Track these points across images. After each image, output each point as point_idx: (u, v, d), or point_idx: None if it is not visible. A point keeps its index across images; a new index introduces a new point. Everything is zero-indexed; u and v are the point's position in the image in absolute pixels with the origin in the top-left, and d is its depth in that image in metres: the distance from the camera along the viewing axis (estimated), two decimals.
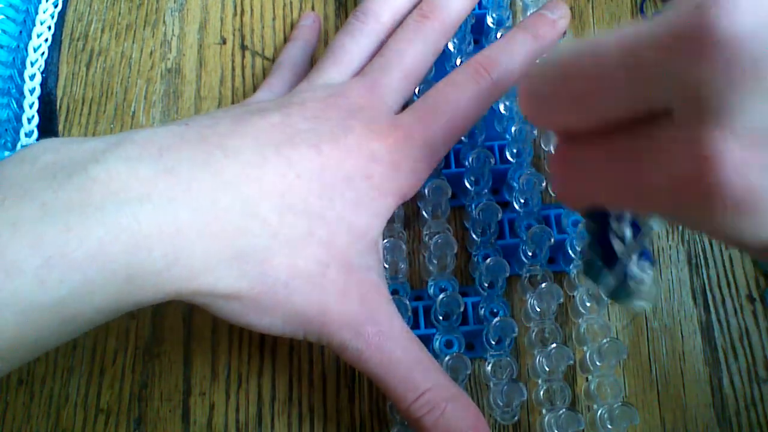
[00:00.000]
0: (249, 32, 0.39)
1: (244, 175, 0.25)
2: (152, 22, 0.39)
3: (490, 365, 0.29)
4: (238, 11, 0.39)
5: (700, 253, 0.34)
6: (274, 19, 0.39)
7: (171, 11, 0.39)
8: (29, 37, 0.38)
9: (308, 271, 0.26)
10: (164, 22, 0.39)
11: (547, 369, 0.29)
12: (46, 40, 0.39)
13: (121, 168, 0.23)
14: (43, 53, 0.38)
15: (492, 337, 0.29)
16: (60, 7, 0.39)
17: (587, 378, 0.30)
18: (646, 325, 0.33)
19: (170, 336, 0.33)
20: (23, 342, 0.21)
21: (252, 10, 0.39)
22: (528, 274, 0.31)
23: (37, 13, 0.39)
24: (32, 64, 0.38)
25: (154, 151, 0.24)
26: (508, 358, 0.29)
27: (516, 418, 0.30)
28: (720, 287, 0.33)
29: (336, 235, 0.26)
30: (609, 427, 0.28)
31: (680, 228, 0.34)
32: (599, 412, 0.28)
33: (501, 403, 0.29)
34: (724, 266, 0.33)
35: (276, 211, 0.25)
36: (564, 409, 0.28)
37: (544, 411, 0.29)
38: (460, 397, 0.26)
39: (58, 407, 0.32)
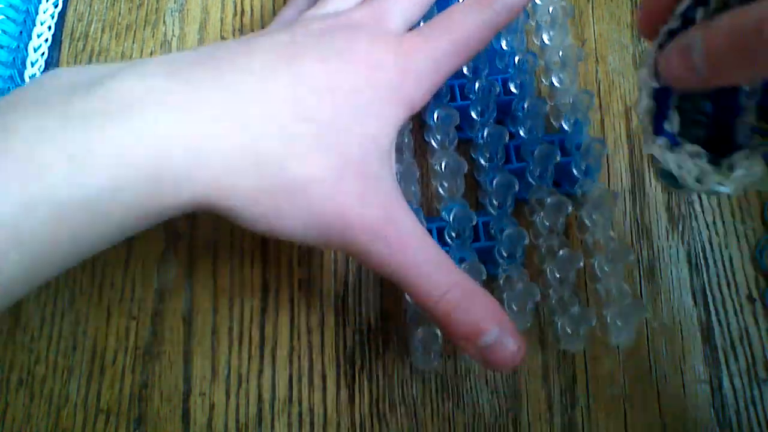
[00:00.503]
0: (249, 32, 0.39)
1: (256, 88, 0.26)
2: (152, 23, 0.39)
3: (502, 279, 0.30)
4: (238, 11, 0.39)
5: (700, 253, 0.34)
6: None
7: (171, 11, 0.39)
8: (29, 37, 0.38)
9: (325, 176, 0.26)
10: (164, 22, 0.39)
11: (558, 276, 0.30)
12: (47, 40, 0.39)
13: (139, 81, 0.24)
14: (43, 53, 0.38)
15: (504, 249, 0.30)
16: (60, 7, 0.39)
17: (595, 286, 0.31)
18: (646, 325, 0.33)
19: (170, 336, 0.33)
20: (59, 241, 0.22)
21: (252, 10, 0.39)
22: (535, 197, 0.32)
23: (37, 13, 0.39)
24: (32, 65, 0.38)
25: (169, 68, 0.26)
26: (521, 267, 0.30)
27: (528, 323, 0.30)
28: (720, 287, 0.33)
29: (349, 142, 0.27)
30: (619, 324, 0.29)
31: (680, 228, 0.34)
32: (609, 311, 0.30)
33: (515, 308, 0.29)
34: (724, 266, 0.33)
35: (289, 119, 0.26)
36: (576, 306, 0.29)
37: (556, 318, 0.30)
38: (480, 291, 0.27)
39: (58, 407, 0.32)
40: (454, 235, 0.31)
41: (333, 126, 0.27)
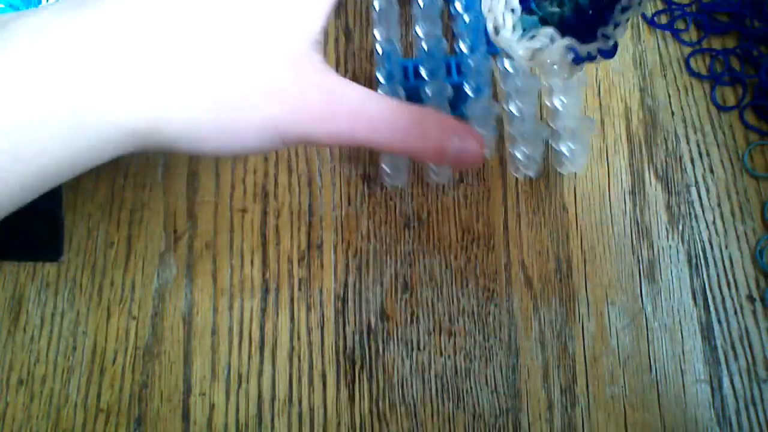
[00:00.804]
0: None
1: (167, 2, 0.24)
2: None
3: (469, 111, 0.33)
4: None
5: (700, 253, 0.34)
6: None
7: None
8: None
9: (260, 79, 0.25)
10: None
11: (520, 107, 0.33)
12: None
13: (48, 15, 0.23)
14: None
15: (472, 81, 0.33)
16: None
17: (555, 125, 0.33)
18: (646, 325, 0.33)
19: (170, 336, 0.33)
20: None
21: None
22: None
23: None
24: None
25: (74, 2, 0.24)
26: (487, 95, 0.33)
27: (489, 151, 0.34)
28: (720, 287, 0.33)
29: (276, 37, 0.26)
30: (572, 146, 0.32)
31: (680, 228, 0.34)
32: (563, 139, 0.32)
33: (479, 130, 0.32)
34: (724, 266, 0.33)
35: (208, 28, 0.24)
36: (529, 120, 0.32)
37: (514, 149, 0.33)
38: (432, 114, 0.28)
39: (58, 407, 0.32)
40: (428, 70, 0.33)
41: (256, 24, 0.25)
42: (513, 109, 0.33)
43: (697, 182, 0.35)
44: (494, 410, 0.31)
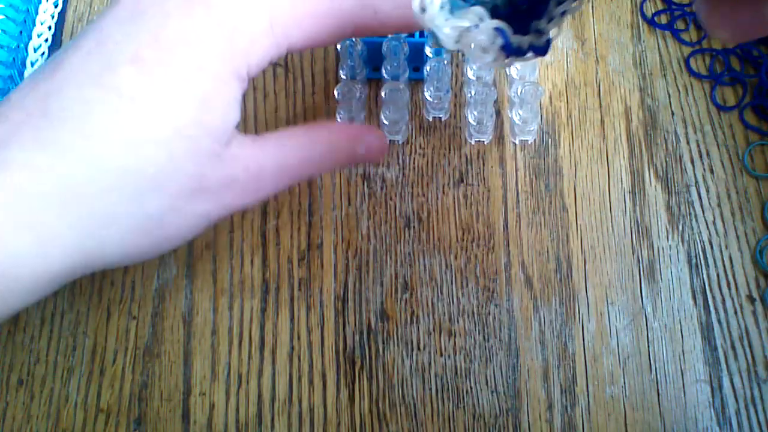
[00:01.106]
0: None
1: (79, 131, 0.23)
2: None
3: (426, 72, 0.34)
4: None
5: (700, 253, 0.34)
6: None
7: None
8: (29, 37, 0.38)
9: (185, 191, 0.25)
10: None
11: (475, 71, 0.35)
12: (46, 40, 0.39)
13: None
14: (43, 53, 0.38)
15: (430, 41, 0.34)
16: (60, 7, 0.39)
17: (509, 93, 0.35)
18: (646, 325, 0.33)
19: (170, 336, 0.33)
20: None
21: None
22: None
23: (37, 13, 0.39)
24: (32, 65, 0.38)
25: None
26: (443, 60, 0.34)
27: (445, 113, 0.36)
28: (720, 287, 0.33)
29: (196, 139, 0.25)
30: (521, 113, 0.34)
31: (680, 228, 0.34)
32: (515, 107, 0.34)
33: (434, 88, 0.34)
34: (724, 266, 0.33)
35: (124, 151, 0.23)
36: (477, 83, 0.34)
37: (467, 113, 0.35)
38: (333, 136, 0.30)
39: (58, 407, 0.32)
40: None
41: (173, 135, 0.24)
42: (468, 73, 0.35)
43: (697, 182, 0.35)
44: (494, 410, 0.31)
